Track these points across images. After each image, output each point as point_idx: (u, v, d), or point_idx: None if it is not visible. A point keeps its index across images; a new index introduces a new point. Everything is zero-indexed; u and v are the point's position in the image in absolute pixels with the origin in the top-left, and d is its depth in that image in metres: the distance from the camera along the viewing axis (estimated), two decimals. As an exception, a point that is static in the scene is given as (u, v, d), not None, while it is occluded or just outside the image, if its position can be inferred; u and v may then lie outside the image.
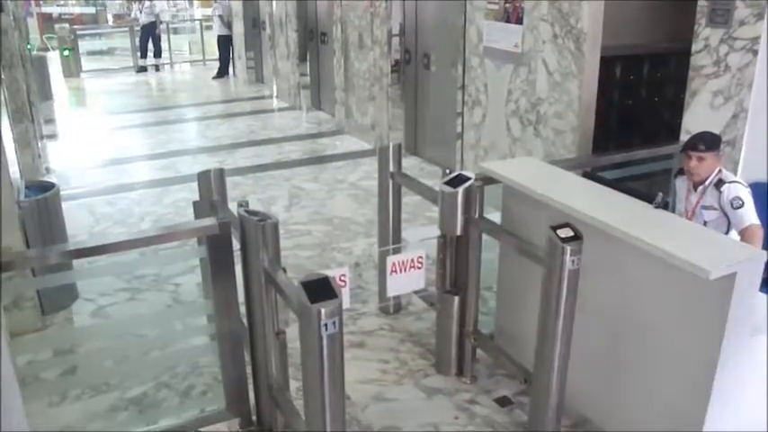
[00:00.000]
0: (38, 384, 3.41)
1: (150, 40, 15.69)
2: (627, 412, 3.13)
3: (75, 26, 16.56)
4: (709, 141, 3.45)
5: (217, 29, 14.32)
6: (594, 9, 4.94)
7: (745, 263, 2.59)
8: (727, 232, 3.39)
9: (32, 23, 18.74)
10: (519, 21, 5.62)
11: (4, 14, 6.54)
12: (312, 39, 10.76)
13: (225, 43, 14.29)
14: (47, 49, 17.13)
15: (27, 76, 7.82)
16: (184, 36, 19.25)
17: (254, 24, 13.13)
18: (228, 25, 13.99)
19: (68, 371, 3.60)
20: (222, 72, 14.45)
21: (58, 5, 22.58)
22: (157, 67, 15.75)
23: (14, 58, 6.69)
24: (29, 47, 10.50)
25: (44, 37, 18.82)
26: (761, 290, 2.75)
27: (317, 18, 10.48)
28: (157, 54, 15.87)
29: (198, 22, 18.23)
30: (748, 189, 3.40)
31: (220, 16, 13.97)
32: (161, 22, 15.79)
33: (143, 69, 15.40)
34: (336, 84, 9.52)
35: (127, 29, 16.85)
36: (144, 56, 15.60)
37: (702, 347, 2.70)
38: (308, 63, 10.99)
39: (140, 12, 15.66)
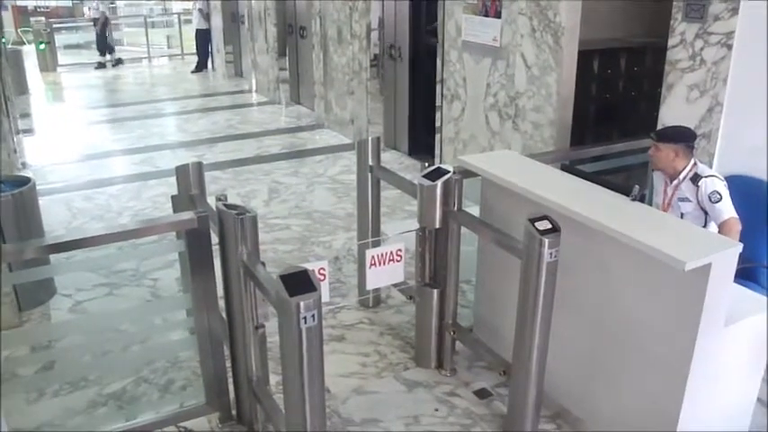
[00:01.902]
0: (15, 381, 3.37)
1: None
2: (605, 402, 3.17)
3: (51, 19, 16.34)
4: (660, 132, 3.59)
5: (195, 23, 14.18)
6: (572, 3, 4.97)
7: (719, 254, 2.63)
8: (705, 225, 3.43)
9: (7, 17, 18.48)
10: (497, 15, 5.63)
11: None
12: (291, 33, 10.71)
13: (204, 37, 14.16)
14: (22, 43, 16.92)
15: (2, 71, 7.72)
16: (162, 30, 19.09)
17: (233, 18, 13.05)
18: (207, 18, 13.87)
19: (46, 367, 3.56)
20: (201, 66, 14.34)
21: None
22: (115, 63, 15.23)
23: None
24: (3, 40, 10.35)
25: (19, 30, 18.57)
26: (735, 280, 2.79)
27: (296, 12, 10.43)
28: (108, 51, 15.26)
29: (176, 16, 18.07)
30: (724, 183, 3.45)
31: (200, 10, 13.85)
32: (107, 19, 15.32)
33: (101, 66, 14.99)
34: (315, 78, 9.49)
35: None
36: (110, 51, 15.22)
37: (678, 337, 2.74)
38: (287, 57, 10.94)
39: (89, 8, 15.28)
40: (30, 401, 3.52)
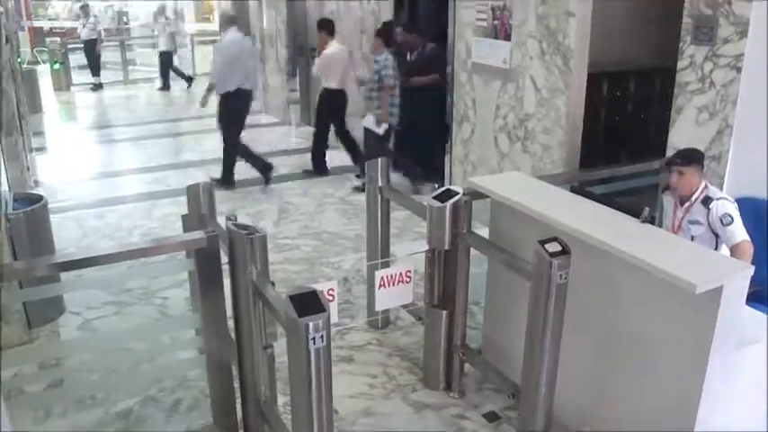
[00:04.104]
0: (23, 398, 3.38)
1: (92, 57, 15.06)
2: (615, 425, 3.13)
3: (66, 39, 16.50)
4: (685, 156, 3.53)
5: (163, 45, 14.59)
6: (582, 26, 4.99)
7: (731, 276, 2.61)
8: (716, 248, 3.42)
9: (23, 37, 18.69)
10: (507, 37, 5.67)
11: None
12: (302, 54, 10.78)
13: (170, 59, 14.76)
14: (37, 63, 17.09)
15: (17, 89, 7.80)
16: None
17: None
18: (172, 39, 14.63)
19: (54, 384, 3.57)
20: (166, 85, 14.87)
21: (49, 19, 22.53)
22: (100, 86, 15.04)
23: (5, 71, 6.67)
24: (19, 60, 10.47)
25: (35, 50, 18.77)
26: (747, 303, 2.77)
27: (308, 33, 10.50)
28: (95, 72, 15.09)
29: (189, 37, 18.22)
30: (735, 205, 3.43)
31: (173, 33, 14.37)
32: (102, 41, 15.28)
33: (98, 87, 14.92)
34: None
35: (117, 43, 16.82)
36: (95, 74, 15.07)
37: (690, 360, 2.72)
38: (298, 78, 11.01)
39: (83, 27, 15.07)
40: (37, 419, 3.52)
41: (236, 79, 7.24)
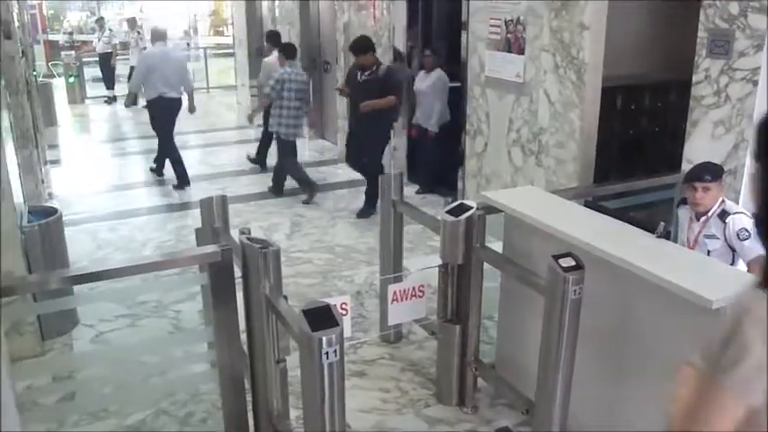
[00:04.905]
0: (36, 410, 3.38)
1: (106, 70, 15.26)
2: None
3: (81, 52, 16.67)
4: (713, 171, 3.47)
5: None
6: (596, 39, 4.98)
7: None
8: (732, 263, 3.38)
9: (39, 50, 18.90)
10: (521, 51, 5.66)
11: (12, 41, 6.60)
12: (315, 67, 10.83)
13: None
14: (52, 76, 17.26)
15: (32, 103, 7.88)
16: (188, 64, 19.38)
17: (258, 53, 13.23)
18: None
19: (67, 397, 3.57)
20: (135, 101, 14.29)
21: (64, 33, 22.77)
22: (114, 99, 14.94)
23: (20, 85, 6.74)
24: (34, 73, 10.58)
25: (50, 64, 18.97)
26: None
27: (320, 47, 10.57)
28: (110, 86, 15.18)
29: (202, 50, 18.36)
30: (752, 219, 3.40)
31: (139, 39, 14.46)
32: (117, 54, 15.46)
33: (113, 100, 14.90)
34: (339, 112, 9.56)
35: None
36: (110, 87, 15.13)
37: (705, 378, 2.68)
38: (311, 91, 11.04)
39: (98, 40, 15.28)
40: (50, 431, 3.52)
41: (157, 88, 7.80)
